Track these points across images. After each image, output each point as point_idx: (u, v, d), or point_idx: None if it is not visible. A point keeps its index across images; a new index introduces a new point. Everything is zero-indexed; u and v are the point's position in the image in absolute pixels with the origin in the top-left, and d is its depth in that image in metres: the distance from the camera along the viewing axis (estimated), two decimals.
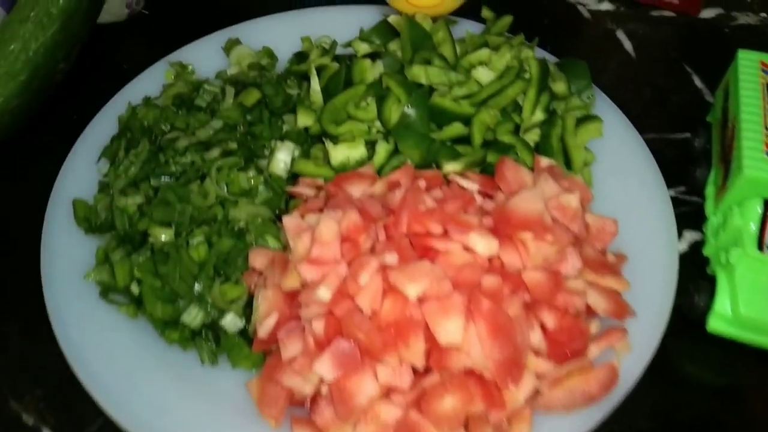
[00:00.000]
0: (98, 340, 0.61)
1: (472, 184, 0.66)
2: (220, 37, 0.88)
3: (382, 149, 0.72)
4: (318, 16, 0.92)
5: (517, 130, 0.74)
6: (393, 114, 0.73)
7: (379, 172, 0.71)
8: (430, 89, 0.75)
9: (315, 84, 0.78)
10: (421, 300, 0.54)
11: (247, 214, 0.64)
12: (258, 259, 0.61)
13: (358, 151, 0.73)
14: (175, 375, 0.60)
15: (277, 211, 0.67)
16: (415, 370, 0.54)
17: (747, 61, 0.75)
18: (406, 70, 0.74)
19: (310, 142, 0.75)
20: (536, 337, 0.56)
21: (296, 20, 0.91)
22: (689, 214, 0.78)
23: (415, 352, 0.53)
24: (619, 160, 0.76)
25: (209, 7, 1.02)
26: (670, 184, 0.79)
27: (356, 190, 0.66)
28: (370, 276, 0.54)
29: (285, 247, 0.64)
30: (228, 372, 0.61)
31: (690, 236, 0.77)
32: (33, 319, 0.68)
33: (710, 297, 0.66)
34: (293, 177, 0.72)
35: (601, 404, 0.57)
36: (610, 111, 0.82)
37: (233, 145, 0.66)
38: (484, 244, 0.56)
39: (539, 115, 0.73)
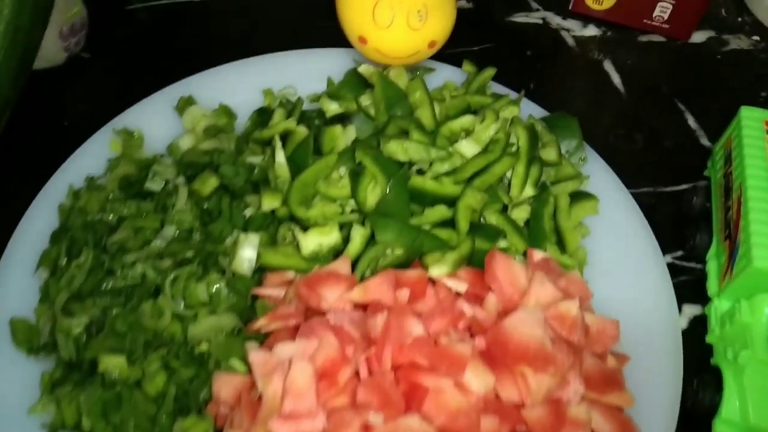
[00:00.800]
0: None
1: (459, 284, 0.59)
2: (171, 93, 0.78)
3: (358, 235, 0.65)
4: (280, 62, 0.82)
5: (504, 207, 0.67)
6: (369, 196, 0.65)
7: (355, 261, 0.64)
8: (409, 163, 0.67)
9: (280, 157, 0.69)
10: None
11: (209, 328, 0.57)
12: (223, 388, 0.54)
13: (331, 237, 0.65)
14: None
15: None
16: None
17: (751, 120, 0.69)
18: (381, 144, 0.66)
19: (276, 224, 0.67)
20: None
21: (256, 68, 0.81)
22: (688, 285, 0.72)
23: None
24: (612, 230, 0.70)
25: (156, 48, 0.91)
26: (665, 249, 0.73)
27: (331, 294, 0.59)
28: None
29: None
30: None
31: (689, 310, 0.71)
32: None
33: (715, 393, 0.61)
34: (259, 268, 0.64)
35: None
36: (600, 171, 0.75)
37: (189, 253, 0.58)
38: (479, 382, 0.50)
39: (529, 191, 0.66)
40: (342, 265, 0.62)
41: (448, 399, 0.49)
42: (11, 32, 0.69)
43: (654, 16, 0.94)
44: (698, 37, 0.97)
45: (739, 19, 1.00)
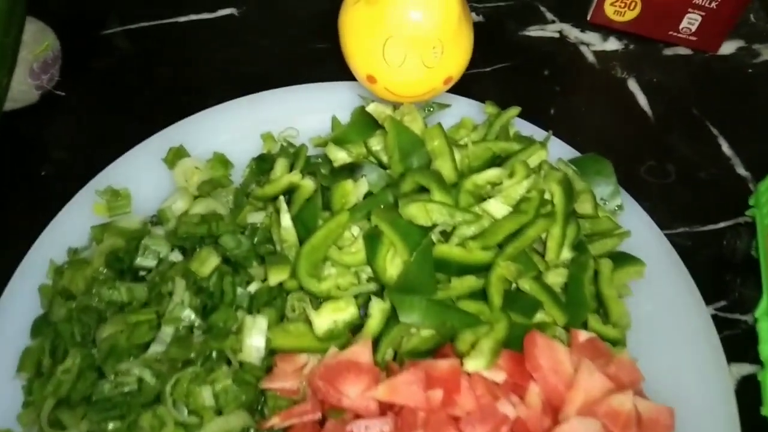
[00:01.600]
0: None
1: (497, 374, 0.52)
2: (159, 142, 0.69)
3: (378, 311, 0.58)
4: (277, 100, 0.73)
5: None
6: (388, 266, 0.58)
7: (376, 340, 0.57)
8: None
9: (286, 220, 0.61)
10: None
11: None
12: None
13: (347, 313, 0.58)
14: None
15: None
16: None
17: None
18: (400, 207, 0.59)
19: (284, 296, 0.60)
20: None
21: (252, 108, 0.72)
22: (734, 341, 0.66)
23: None
24: (651, 283, 0.63)
25: (138, 80, 0.82)
26: (708, 299, 0.66)
27: (353, 390, 0.52)
28: None
29: None
30: None
31: (737, 370, 0.65)
32: None
33: None
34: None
35: None
36: (633, 211, 0.68)
37: (190, 354, 0.51)
38: None
39: (566, 254, 0.59)
40: (362, 353, 0.54)
41: None
42: None
43: (681, 28, 0.85)
44: (727, 48, 0.89)
45: None
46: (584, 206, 0.62)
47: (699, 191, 0.76)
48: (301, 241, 0.61)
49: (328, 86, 0.74)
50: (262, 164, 0.69)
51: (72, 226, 0.63)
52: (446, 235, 0.59)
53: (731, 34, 0.88)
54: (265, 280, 0.59)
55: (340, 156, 0.66)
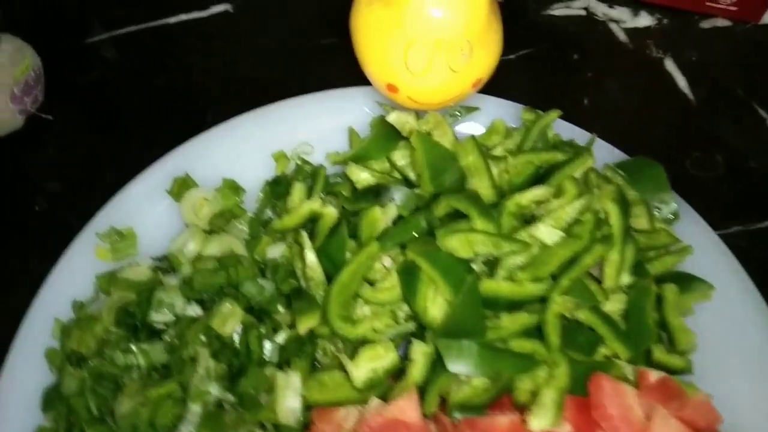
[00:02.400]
0: None
1: (563, 428, 0.47)
2: (161, 171, 0.61)
3: (420, 356, 0.52)
4: (288, 113, 0.65)
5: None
6: (429, 305, 0.52)
7: (423, 390, 0.52)
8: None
9: (311, 257, 0.55)
10: None
11: None
12: None
13: (386, 359, 0.52)
14: None
15: None
16: None
17: None
18: (438, 239, 0.52)
19: (315, 342, 0.54)
20: None
21: (260, 123, 0.64)
22: None
23: None
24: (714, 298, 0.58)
25: (130, 93, 0.74)
26: None
27: None
28: None
29: None
30: None
31: None
32: None
33: None
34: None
35: None
36: (684, 214, 0.61)
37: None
38: None
39: (625, 279, 0.53)
40: (409, 407, 0.49)
41: None
42: None
43: None
44: None
45: None
46: (639, 221, 0.56)
47: (751, 183, 0.70)
48: (328, 276, 0.55)
49: (342, 93, 0.66)
50: (277, 188, 0.62)
51: (74, 276, 0.56)
52: (490, 264, 0.53)
53: None
54: (292, 325, 0.53)
55: (363, 177, 0.59)
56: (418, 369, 0.52)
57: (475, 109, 0.65)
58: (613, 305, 0.53)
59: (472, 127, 0.65)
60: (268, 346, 0.51)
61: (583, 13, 0.81)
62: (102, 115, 0.73)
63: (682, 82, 0.76)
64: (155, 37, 0.78)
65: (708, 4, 0.78)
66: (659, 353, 0.52)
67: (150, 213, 0.60)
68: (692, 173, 0.69)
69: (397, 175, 0.62)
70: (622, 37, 0.79)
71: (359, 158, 0.61)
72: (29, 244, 0.65)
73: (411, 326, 0.54)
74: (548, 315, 0.50)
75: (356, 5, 0.60)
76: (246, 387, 0.47)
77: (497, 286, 0.51)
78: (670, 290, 0.52)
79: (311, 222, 0.58)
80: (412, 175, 0.60)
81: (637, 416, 0.47)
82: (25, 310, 0.56)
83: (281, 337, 0.52)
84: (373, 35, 0.58)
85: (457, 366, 0.49)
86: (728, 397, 0.53)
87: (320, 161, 0.64)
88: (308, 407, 0.51)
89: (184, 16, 0.79)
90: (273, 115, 0.65)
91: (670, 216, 0.59)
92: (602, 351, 0.51)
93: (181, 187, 0.60)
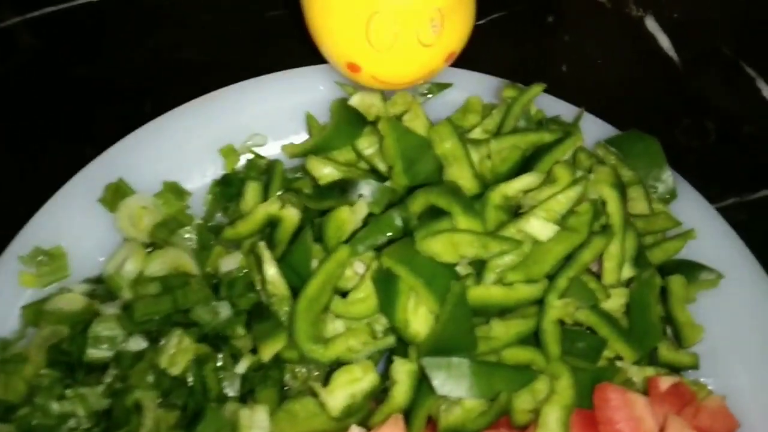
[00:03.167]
0: None
1: None
2: (91, 176, 0.52)
3: (404, 375, 0.45)
4: (235, 99, 0.56)
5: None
6: (411, 318, 0.46)
7: (407, 414, 0.46)
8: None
9: (271, 270, 0.47)
10: None
11: None
12: None
13: (365, 381, 0.46)
14: None
15: None
16: None
17: None
18: (417, 242, 0.45)
19: (282, 367, 0.47)
20: None
21: (203, 114, 0.56)
22: None
23: None
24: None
25: (51, 85, 0.63)
26: None
27: None
28: None
29: None
30: None
31: None
32: None
33: None
34: None
35: None
36: (688, 200, 0.55)
37: None
38: None
39: (627, 272, 0.47)
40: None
41: None
42: None
43: None
44: None
45: None
46: (637, 204, 0.50)
47: (744, 150, 0.64)
48: (293, 289, 0.48)
49: (297, 75, 0.58)
50: (227, 189, 0.54)
51: None
52: (476, 265, 0.47)
53: None
54: (254, 350, 0.46)
55: (326, 172, 0.51)
56: (401, 391, 0.45)
57: (448, 85, 0.57)
58: (615, 302, 0.47)
59: (442, 104, 0.58)
60: (226, 378, 0.43)
61: None
62: (21, 112, 0.63)
63: (665, 42, 0.69)
64: (78, 19, 0.68)
65: None
66: (666, 351, 0.47)
67: (81, 227, 0.52)
68: (682, 143, 0.64)
69: (364, 165, 0.54)
70: None
71: (320, 149, 0.53)
72: None
73: (391, 340, 0.47)
74: (545, 321, 0.43)
75: None
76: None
77: (487, 292, 0.44)
78: (676, 283, 0.47)
79: (269, 227, 0.51)
80: (381, 166, 0.53)
81: (649, 429, 0.41)
82: None
83: (242, 367, 0.45)
84: (329, 8, 0.50)
85: (447, 388, 0.43)
86: (737, 390, 0.48)
87: (276, 155, 0.56)
88: None
89: None
90: (218, 104, 0.56)
91: (668, 195, 0.53)
92: (605, 353, 0.46)
93: (115, 194, 0.51)
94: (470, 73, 0.59)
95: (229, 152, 0.55)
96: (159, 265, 0.48)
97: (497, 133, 0.52)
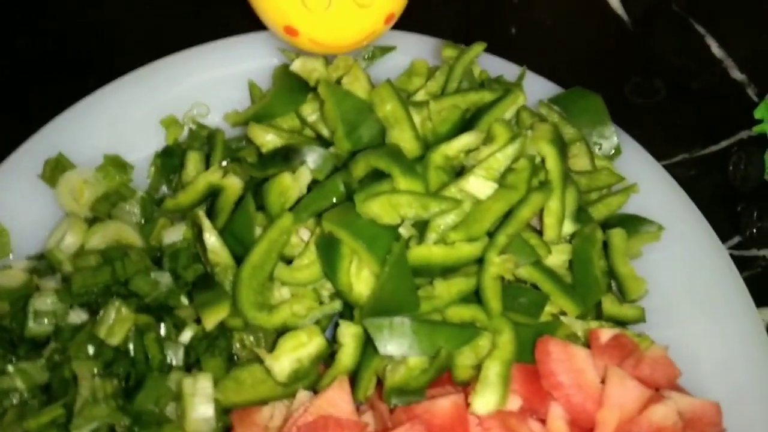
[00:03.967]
0: None
1: (511, 401, 0.42)
2: (30, 151, 0.51)
3: (350, 338, 0.45)
4: (176, 69, 0.55)
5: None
6: (354, 281, 0.46)
7: (354, 376, 0.46)
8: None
9: (212, 239, 0.47)
10: None
11: None
12: None
13: (312, 345, 0.46)
14: None
15: None
16: None
17: None
18: (357, 205, 0.45)
19: (229, 335, 0.47)
20: None
21: (144, 84, 0.55)
22: (758, 282, 0.57)
23: None
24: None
25: None
26: (720, 236, 0.56)
27: None
28: None
29: None
30: None
31: (764, 316, 0.57)
32: None
33: None
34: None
35: None
36: (634, 156, 0.56)
37: None
38: None
39: (568, 227, 0.48)
40: (340, 398, 0.43)
41: None
42: None
43: None
44: None
45: None
46: (579, 161, 0.50)
47: (693, 106, 0.65)
48: (238, 259, 0.48)
49: (237, 42, 0.57)
50: (169, 160, 0.53)
51: None
52: (419, 227, 0.47)
53: None
54: (200, 320, 0.46)
55: (268, 139, 0.51)
56: (347, 353, 0.45)
57: (392, 48, 0.57)
58: (557, 258, 0.48)
59: (389, 69, 0.57)
60: (170, 347, 0.43)
61: None
62: None
63: (614, 1, 0.69)
64: None
65: None
66: (610, 305, 0.47)
67: (21, 205, 0.51)
68: (632, 100, 0.64)
69: (309, 133, 0.54)
70: None
71: (262, 116, 0.52)
72: None
73: (337, 305, 0.47)
74: (485, 278, 0.44)
75: None
76: (144, 403, 0.40)
77: (428, 251, 0.44)
78: (617, 235, 0.47)
79: (212, 197, 0.50)
80: (325, 132, 0.52)
81: (590, 380, 0.42)
82: None
83: (186, 336, 0.45)
84: None
85: (389, 347, 0.43)
86: (684, 341, 0.49)
87: (219, 124, 0.55)
88: (227, 410, 0.45)
89: None
90: (158, 75, 0.55)
91: (612, 152, 0.54)
92: (549, 309, 0.46)
93: (55, 169, 0.51)
94: (415, 36, 0.58)
95: (171, 123, 0.54)
96: (100, 238, 0.48)
97: (442, 95, 0.52)
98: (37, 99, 0.59)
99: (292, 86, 0.53)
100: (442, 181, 0.47)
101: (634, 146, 0.56)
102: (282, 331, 0.47)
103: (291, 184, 0.49)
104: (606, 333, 0.44)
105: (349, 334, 0.46)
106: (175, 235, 0.49)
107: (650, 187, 0.54)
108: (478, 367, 0.43)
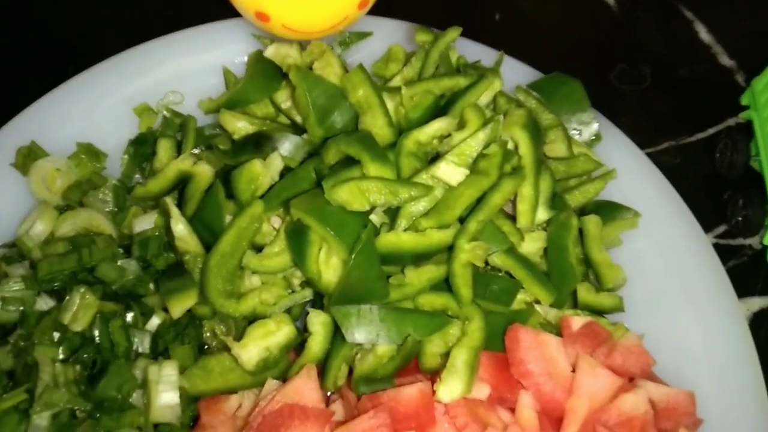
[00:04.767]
0: None
1: (479, 389, 0.41)
2: (2, 140, 0.52)
3: (319, 326, 0.45)
4: (150, 56, 0.55)
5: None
6: (323, 269, 0.45)
7: (324, 365, 0.45)
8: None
9: (180, 227, 0.47)
10: None
11: None
12: None
13: (281, 334, 0.46)
14: None
15: None
16: None
17: None
18: (326, 192, 0.45)
19: (198, 324, 0.47)
20: None
21: (118, 73, 0.55)
22: (743, 271, 0.56)
23: None
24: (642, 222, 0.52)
25: None
26: (705, 226, 0.55)
27: None
28: None
29: None
30: None
31: (753, 304, 0.56)
32: None
33: None
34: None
35: None
36: (610, 137, 0.55)
37: None
38: None
39: (542, 214, 0.47)
40: (307, 387, 0.42)
41: None
42: None
43: None
44: None
45: None
46: (556, 147, 0.49)
47: (680, 93, 0.63)
48: (208, 247, 0.47)
49: (212, 28, 0.56)
50: (142, 148, 0.53)
51: None
52: (391, 214, 0.46)
53: None
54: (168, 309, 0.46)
55: (239, 126, 0.50)
56: (317, 342, 0.45)
57: (368, 34, 0.56)
58: (532, 245, 0.47)
59: (367, 56, 0.57)
60: (136, 335, 0.43)
61: None
62: None
63: None
64: None
65: None
66: (585, 294, 0.46)
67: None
68: (617, 87, 0.63)
69: (284, 120, 0.54)
70: None
71: (236, 103, 0.52)
72: None
73: (308, 294, 0.47)
74: (455, 265, 0.43)
75: None
76: (107, 389, 0.40)
77: (397, 238, 0.44)
78: (591, 222, 0.46)
79: (183, 185, 0.50)
80: (300, 119, 0.52)
81: (561, 369, 0.41)
82: None
83: (153, 324, 0.44)
84: None
85: (357, 335, 0.43)
86: (664, 329, 0.48)
87: (194, 112, 0.55)
88: (196, 398, 0.45)
89: None
90: (132, 63, 0.55)
91: (592, 138, 0.53)
92: (523, 298, 0.46)
93: (27, 157, 0.51)
94: (392, 21, 0.58)
95: (144, 111, 0.54)
96: (70, 226, 0.47)
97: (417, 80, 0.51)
98: (13, 91, 0.59)
99: (266, 73, 0.53)
100: (415, 168, 0.46)
101: (616, 133, 0.55)
102: (253, 320, 0.46)
103: (262, 171, 0.48)
104: (577, 321, 0.43)
105: (318, 322, 0.45)
106: (146, 223, 0.49)
107: (631, 174, 0.53)
108: (446, 356, 0.43)
